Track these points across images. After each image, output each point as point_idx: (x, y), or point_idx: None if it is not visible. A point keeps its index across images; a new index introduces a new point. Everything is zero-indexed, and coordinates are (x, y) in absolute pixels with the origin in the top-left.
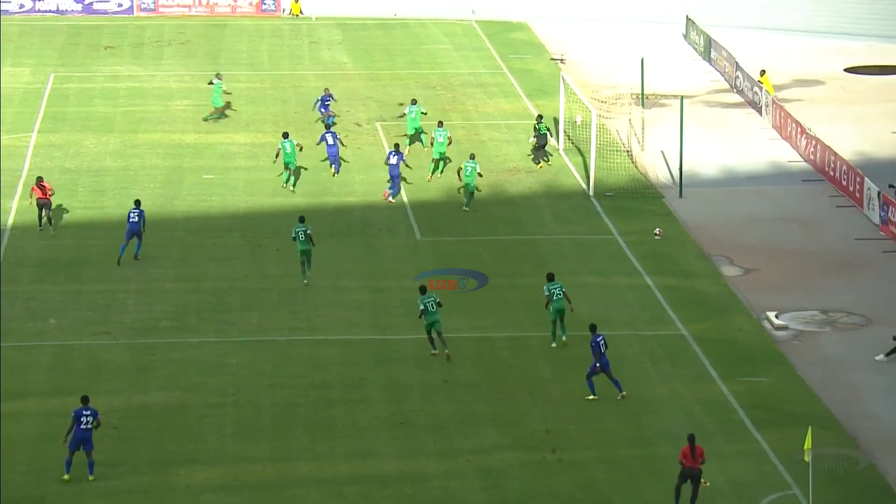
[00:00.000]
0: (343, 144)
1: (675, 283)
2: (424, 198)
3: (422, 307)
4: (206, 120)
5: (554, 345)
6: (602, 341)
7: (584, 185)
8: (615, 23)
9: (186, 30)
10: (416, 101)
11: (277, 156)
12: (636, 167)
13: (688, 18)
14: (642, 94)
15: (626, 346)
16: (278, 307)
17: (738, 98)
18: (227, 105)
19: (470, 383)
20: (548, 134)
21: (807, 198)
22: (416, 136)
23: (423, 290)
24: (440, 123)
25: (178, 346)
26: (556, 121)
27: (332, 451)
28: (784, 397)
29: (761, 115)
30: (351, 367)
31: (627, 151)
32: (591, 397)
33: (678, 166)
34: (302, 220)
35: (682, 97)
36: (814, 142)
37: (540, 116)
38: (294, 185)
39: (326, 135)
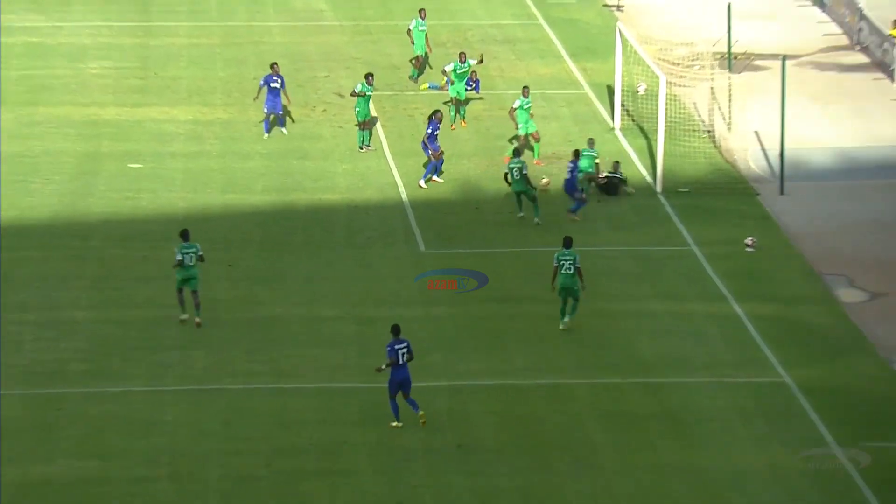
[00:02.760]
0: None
1: (773, 312)
2: (430, 195)
3: (179, 258)
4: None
5: (562, 326)
6: (405, 350)
7: (648, 178)
8: None
9: None
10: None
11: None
12: (720, 153)
13: None
14: (729, 53)
15: (708, 398)
16: (231, 344)
17: (862, 58)
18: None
19: (492, 449)
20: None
21: None
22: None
23: (184, 235)
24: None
25: (95, 398)
26: (610, 90)
27: None
28: None
29: (894, 81)
30: (330, 426)
31: (709, 132)
32: (395, 424)
33: (779, 152)
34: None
35: (783, 57)
36: None
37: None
38: (369, 142)
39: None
